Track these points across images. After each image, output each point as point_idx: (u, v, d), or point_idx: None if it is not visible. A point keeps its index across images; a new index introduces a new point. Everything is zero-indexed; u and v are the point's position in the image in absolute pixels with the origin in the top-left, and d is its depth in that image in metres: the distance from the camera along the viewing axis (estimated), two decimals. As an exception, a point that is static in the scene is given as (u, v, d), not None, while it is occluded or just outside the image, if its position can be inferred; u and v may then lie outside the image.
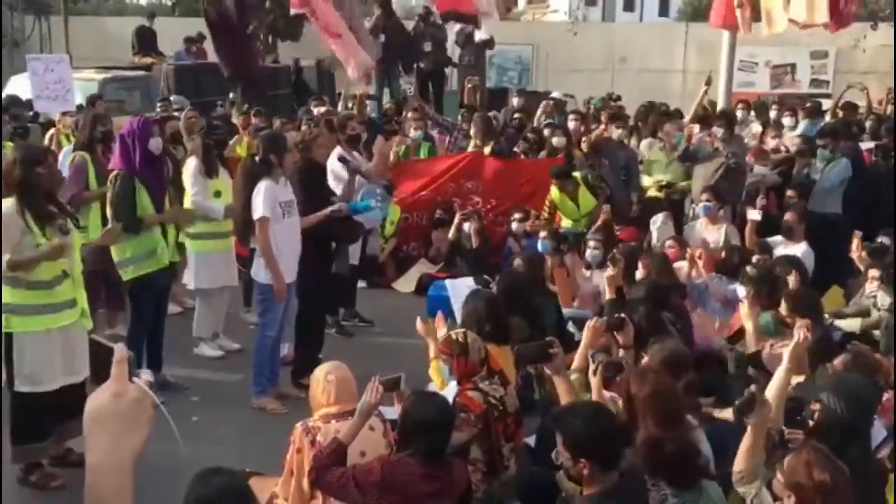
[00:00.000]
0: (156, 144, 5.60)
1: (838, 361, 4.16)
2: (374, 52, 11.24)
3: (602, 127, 9.98)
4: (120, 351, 1.38)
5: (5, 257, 4.33)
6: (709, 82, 8.97)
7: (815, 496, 2.80)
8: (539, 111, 11.19)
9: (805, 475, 2.85)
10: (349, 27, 10.50)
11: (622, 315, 4.38)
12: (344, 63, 10.12)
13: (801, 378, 4.15)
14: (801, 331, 3.96)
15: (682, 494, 3.28)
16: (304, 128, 8.51)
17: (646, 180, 8.84)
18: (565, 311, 6.59)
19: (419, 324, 4.73)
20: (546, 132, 9.86)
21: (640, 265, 6.02)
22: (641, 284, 5.66)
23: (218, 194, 6.50)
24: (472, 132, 9.51)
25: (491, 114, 10.71)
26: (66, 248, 4.50)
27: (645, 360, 4.11)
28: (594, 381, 3.83)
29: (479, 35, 12.57)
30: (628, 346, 4.50)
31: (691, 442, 3.45)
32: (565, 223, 8.29)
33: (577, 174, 8.28)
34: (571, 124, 9.97)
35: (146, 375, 1.46)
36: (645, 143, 9.69)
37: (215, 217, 6.42)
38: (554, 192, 8.20)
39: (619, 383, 3.59)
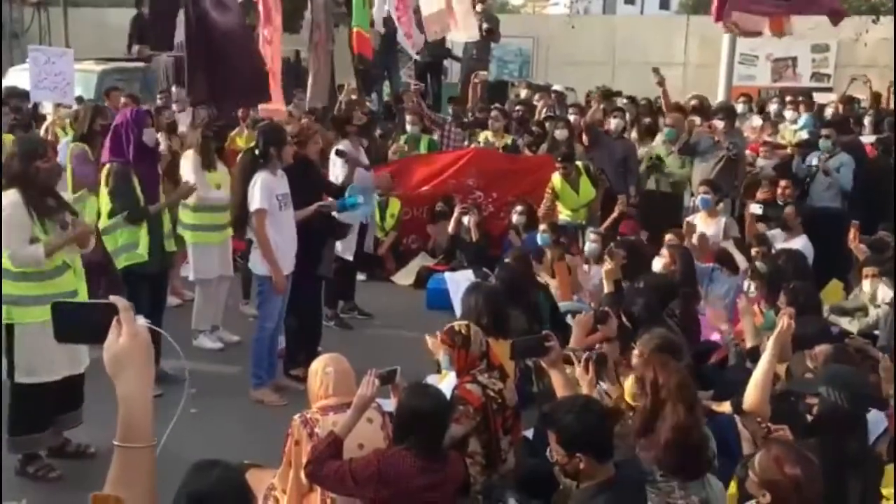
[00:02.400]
0: (150, 136, 5.55)
1: (820, 350, 4.13)
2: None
3: (595, 107, 10.02)
4: (121, 300, 1.60)
5: (32, 247, 4.36)
6: (660, 81, 9.04)
7: (791, 491, 2.81)
8: (540, 104, 11.17)
9: (777, 472, 2.84)
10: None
11: (605, 309, 4.39)
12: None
13: (784, 366, 4.16)
14: (784, 318, 3.97)
15: (688, 486, 3.31)
16: (304, 120, 8.50)
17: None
18: (565, 304, 6.59)
19: (428, 339, 4.73)
20: (547, 125, 9.87)
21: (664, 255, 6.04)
22: (646, 278, 5.64)
23: (217, 187, 6.50)
24: (490, 125, 9.55)
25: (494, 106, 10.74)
26: (90, 234, 4.63)
27: (636, 351, 4.10)
28: (586, 377, 3.81)
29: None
30: (611, 340, 4.53)
31: (706, 433, 3.50)
32: (563, 215, 8.29)
33: (579, 163, 8.30)
34: (572, 118, 9.97)
35: (142, 319, 1.64)
36: (659, 136, 9.67)
37: (217, 201, 6.42)
38: (555, 178, 8.20)
39: (636, 366, 3.58)
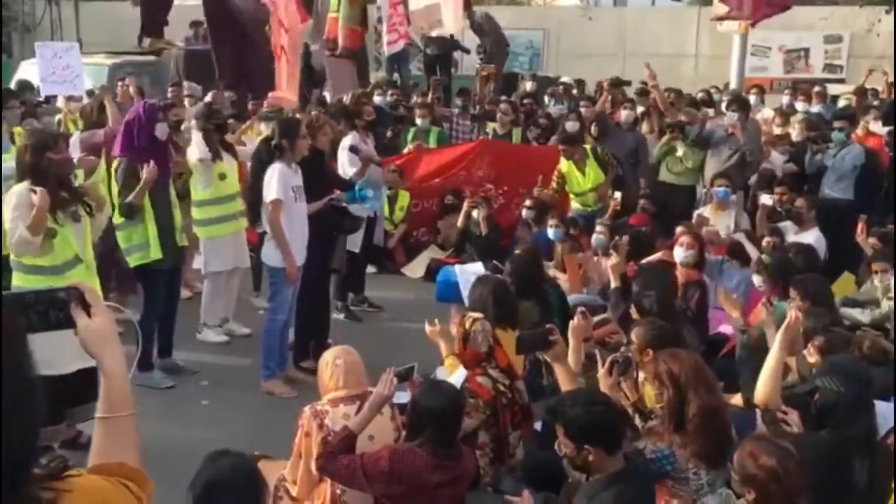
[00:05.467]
0: (162, 130, 5.55)
1: (815, 341, 4.12)
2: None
3: (605, 96, 9.99)
4: (83, 284, 1.70)
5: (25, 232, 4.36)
6: (651, 76, 9.00)
7: (770, 483, 2.78)
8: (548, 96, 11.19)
9: (753, 466, 2.83)
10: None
11: (583, 309, 4.38)
12: (277, 80, 9.69)
13: (793, 359, 4.14)
14: (792, 311, 3.95)
15: (715, 482, 3.31)
16: (314, 113, 8.49)
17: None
18: (575, 297, 6.57)
19: (427, 327, 4.75)
20: (554, 113, 9.88)
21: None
22: (655, 271, 5.61)
23: (222, 177, 6.50)
24: (498, 118, 9.56)
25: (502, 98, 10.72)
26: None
27: (633, 346, 4.10)
28: (607, 380, 3.79)
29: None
30: (587, 339, 4.53)
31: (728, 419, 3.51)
32: (574, 206, 8.25)
33: (587, 147, 8.22)
34: (584, 110, 9.93)
35: (104, 302, 1.74)
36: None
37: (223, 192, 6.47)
38: (563, 162, 8.15)
39: (652, 367, 3.59)
